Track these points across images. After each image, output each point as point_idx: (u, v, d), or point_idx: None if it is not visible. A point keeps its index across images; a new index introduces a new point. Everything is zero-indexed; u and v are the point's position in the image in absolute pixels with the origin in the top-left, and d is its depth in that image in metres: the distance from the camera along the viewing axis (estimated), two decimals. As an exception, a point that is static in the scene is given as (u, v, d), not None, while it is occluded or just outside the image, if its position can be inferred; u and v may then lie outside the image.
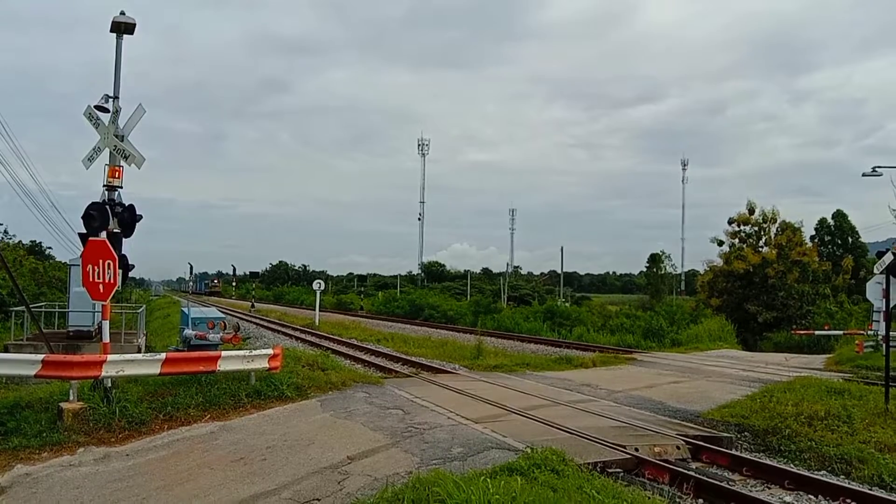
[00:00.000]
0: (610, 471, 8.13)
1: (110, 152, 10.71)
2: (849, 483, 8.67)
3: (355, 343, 27.21)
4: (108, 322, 10.81)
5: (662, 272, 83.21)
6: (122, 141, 10.66)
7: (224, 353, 11.22)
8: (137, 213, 10.71)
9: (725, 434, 10.78)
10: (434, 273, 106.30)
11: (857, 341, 23.94)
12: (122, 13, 11.16)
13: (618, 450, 8.91)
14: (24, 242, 54.44)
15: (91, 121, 10.81)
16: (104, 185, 10.69)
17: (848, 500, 7.83)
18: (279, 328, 36.55)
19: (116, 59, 11.27)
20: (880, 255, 12.53)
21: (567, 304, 55.16)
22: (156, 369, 10.33)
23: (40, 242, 58.67)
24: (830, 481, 8.56)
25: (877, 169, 21.80)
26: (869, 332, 24.33)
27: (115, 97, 10.98)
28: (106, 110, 10.87)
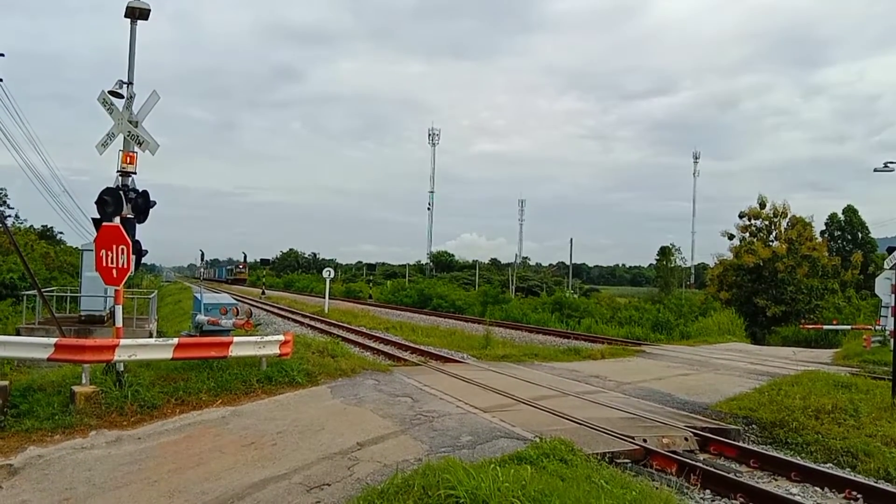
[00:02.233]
0: (618, 461, 8.20)
1: (124, 138, 10.75)
2: (855, 476, 8.72)
3: (364, 331, 27.32)
4: (120, 307, 10.88)
5: (672, 265, 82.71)
6: (136, 127, 10.69)
7: (236, 339, 11.32)
8: (151, 199, 10.76)
9: (733, 426, 10.81)
10: (443, 263, 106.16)
11: (864, 336, 23.84)
12: (137, -2, 11.17)
13: (626, 440, 8.96)
14: (35, 227, 54.95)
15: (105, 106, 10.84)
16: (118, 171, 10.73)
17: (853, 493, 7.86)
18: (289, 315, 36.73)
19: (130, 44, 11.28)
20: (890, 250, 12.54)
21: (576, 296, 55.05)
22: (168, 354, 10.44)
23: (52, 227, 59.22)
24: (836, 474, 8.59)
25: (888, 164, 21.67)
26: (877, 328, 24.28)
27: (130, 83, 10.99)
28: (120, 96, 10.89)
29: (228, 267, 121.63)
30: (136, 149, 10.74)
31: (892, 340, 13.30)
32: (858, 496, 7.81)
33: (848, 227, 65.31)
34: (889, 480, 8.62)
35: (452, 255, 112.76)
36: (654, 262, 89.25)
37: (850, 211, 65.97)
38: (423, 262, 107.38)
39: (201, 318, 12.77)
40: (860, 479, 8.49)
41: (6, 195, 53.74)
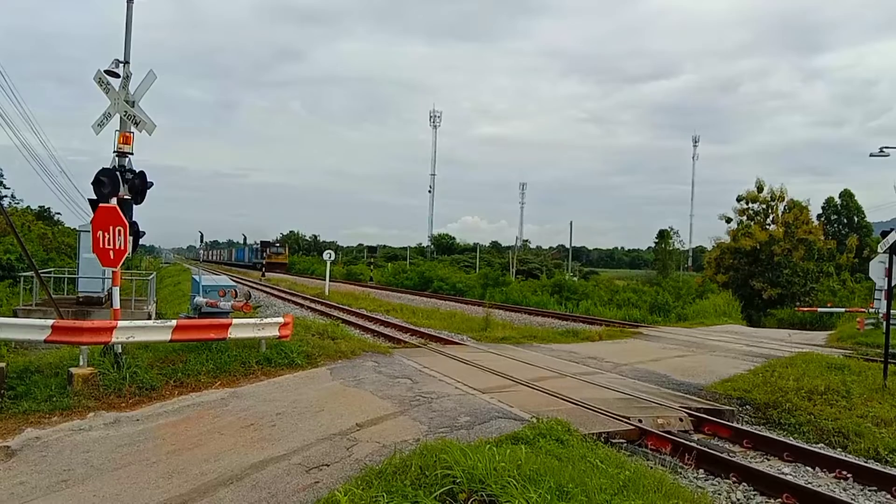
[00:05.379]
0: (614, 441, 8.28)
1: (121, 118, 10.67)
2: (845, 456, 8.85)
3: (365, 313, 27.35)
4: (118, 288, 10.85)
5: (670, 248, 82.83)
6: (132, 107, 10.62)
7: (235, 321, 11.31)
8: (148, 180, 10.73)
9: (727, 407, 10.90)
10: (444, 245, 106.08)
11: (858, 319, 24.04)
12: (132, -25, 11.05)
13: (622, 421, 9.05)
14: (32, 208, 54.67)
15: (102, 86, 10.75)
16: (115, 152, 10.66)
17: (844, 472, 7.99)
18: (289, 297, 36.73)
19: (127, 22, 11.14)
20: (884, 234, 12.54)
21: (575, 279, 55.17)
22: (166, 336, 10.44)
23: (49, 208, 58.89)
24: (828, 454, 8.72)
25: (884, 149, 21.71)
26: (870, 310, 24.43)
27: (126, 62, 10.88)
28: (117, 75, 10.79)
29: (256, 246, 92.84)
30: (133, 129, 10.66)
31: (884, 323, 13.38)
32: (848, 475, 7.93)
33: (844, 210, 65.60)
34: (878, 460, 8.74)
35: (453, 238, 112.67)
36: (653, 245, 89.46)
37: (846, 195, 66.23)
38: (425, 244, 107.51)
39: (200, 300, 12.76)
40: (851, 458, 8.61)
41: (2, 175, 53.37)
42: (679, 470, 7.82)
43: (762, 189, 48.64)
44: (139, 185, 10.60)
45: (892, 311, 12.44)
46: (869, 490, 7.63)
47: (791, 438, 9.68)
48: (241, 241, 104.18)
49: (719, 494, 7.27)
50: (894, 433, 9.33)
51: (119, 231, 10.03)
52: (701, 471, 7.92)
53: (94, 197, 10.36)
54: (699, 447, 8.35)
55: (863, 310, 27.63)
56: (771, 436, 9.57)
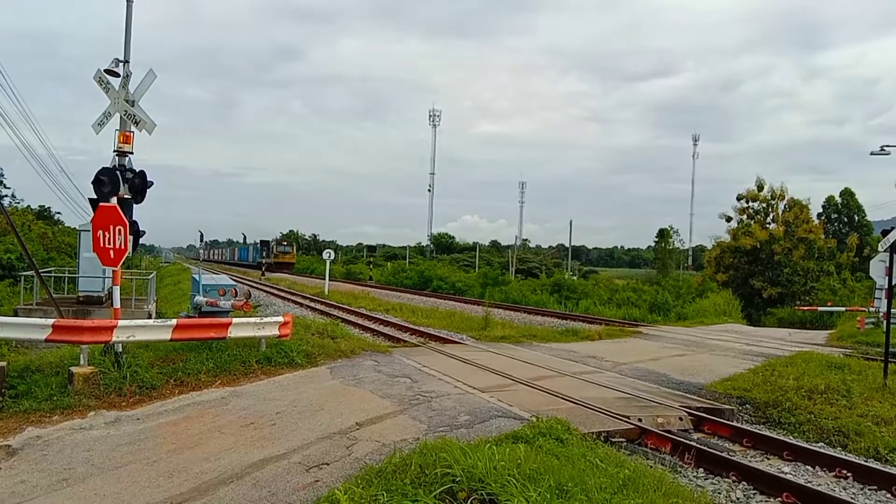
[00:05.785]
0: (614, 440, 8.29)
1: (121, 117, 10.66)
2: (845, 455, 8.85)
3: (364, 312, 27.35)
4: (118, 287, 10.85)
5: (670, 247, 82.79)
6: (132, 106, 10.62)
7: (235, 320, 11.33)
8: (148, 179, 10.73)
9: (727, 406, 10.90)
10: (443, 244, 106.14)
11: (858, 318, 24.05)
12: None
13: (622, 420, 9.05)
14: (32, 207, 54.72)
15: (101, 85, 10.73)
16: (115, 151, 10.66)
17: (844, 471, 7.99)
18: (289, 296, 36.72)
19: (126, 22, 11.13)
20: (885, 233, 12.53)
21: (574, 278, 55.24)
22: (167, 335, 10.45)
23: (49, 207, 58.97)
24: (828, 453, 8.72)
25: (885, 148, 21.70)
26: (871, 309, 24.47)
27: (126, 61, 10.86)
28: (116, 74, 10.78)
29: (251, 243, 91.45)
30: (133, 128, 10.66)
31: (884, 322, 13.39)
32: (848, 474, 7.93)
33: (845, 209, 65.67)
34: (878, 459, 8.75)
35: (453, 237, 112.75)
36: (653, 245, 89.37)
37: (847, 194, 66.29)
38: (424, 243, 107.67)
39: (200, 299, 12.76)
40: (851, 457, 8.61)
41: (3, 175, 53.37)
42: (679, 469, 7.83)
43: (762, 188, 48.73)
44: (139, 185, 10.60)
45: (892, 310, 12.44)
46: (869, 489, 7.64)
47: (791, 437, 9.70)
48: (241, 241, 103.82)
49: (719, 493, 7.28)
50: (894, 432, 9.34)
51: (119, 230, 10.03)
52: (701, 470, 7.93)
53: (95, 196, 10.36)
54: (699, 446, 8.36)
55: (863, 309, 27.64)
56: (771, 435, 9.58)
